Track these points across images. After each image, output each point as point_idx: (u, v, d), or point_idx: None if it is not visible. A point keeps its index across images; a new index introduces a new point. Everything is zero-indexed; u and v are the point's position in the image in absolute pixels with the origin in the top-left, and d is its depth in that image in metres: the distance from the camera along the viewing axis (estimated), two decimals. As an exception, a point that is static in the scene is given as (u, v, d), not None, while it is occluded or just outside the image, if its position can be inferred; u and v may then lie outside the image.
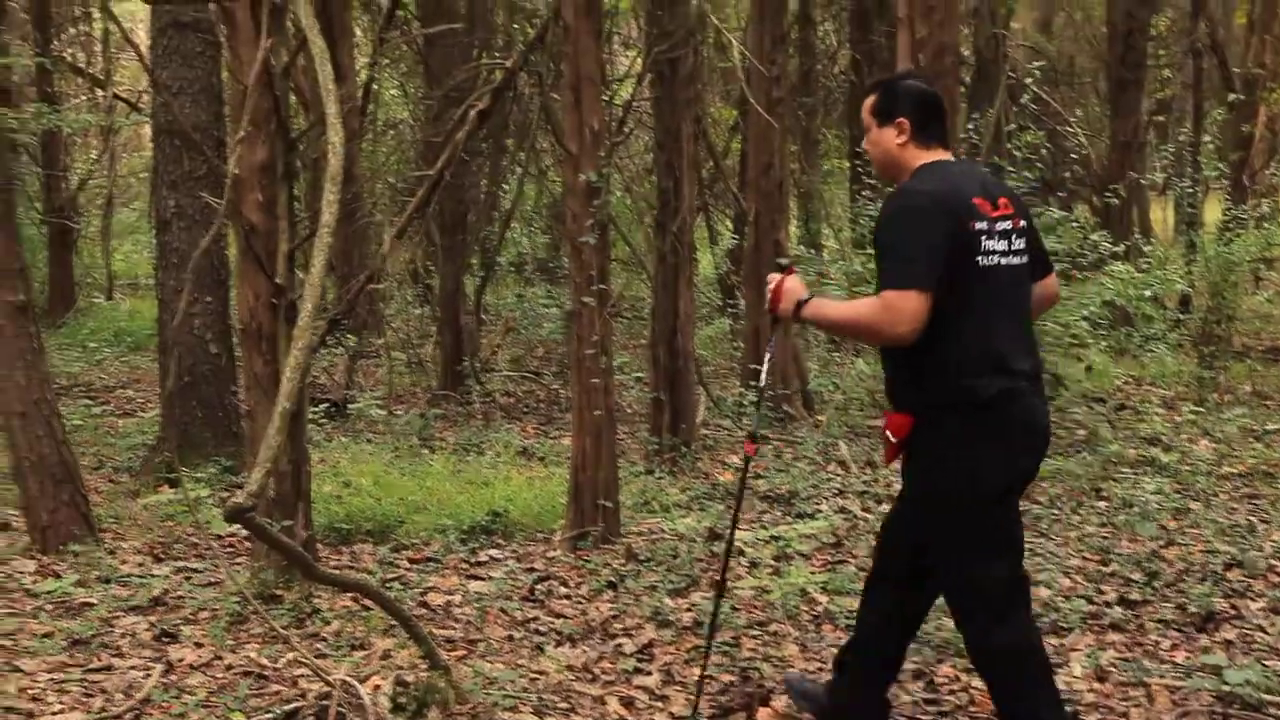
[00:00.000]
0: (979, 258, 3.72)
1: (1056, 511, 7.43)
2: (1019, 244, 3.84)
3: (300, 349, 3.47)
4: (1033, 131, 9.89)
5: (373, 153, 13.23)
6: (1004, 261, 3.78)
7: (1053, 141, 12.50)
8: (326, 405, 10.38)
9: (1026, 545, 6.57)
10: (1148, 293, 10.33)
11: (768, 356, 4.43)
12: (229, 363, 8.51)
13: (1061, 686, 4.64)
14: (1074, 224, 10.96)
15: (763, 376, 4.52)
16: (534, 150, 12.95)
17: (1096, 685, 4.69)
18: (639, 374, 11.76)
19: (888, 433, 3.91)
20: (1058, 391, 10.40)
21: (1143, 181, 15.29)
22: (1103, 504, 7.57)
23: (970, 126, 9.65)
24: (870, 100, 4.03)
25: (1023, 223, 3.87)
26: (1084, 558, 6.43)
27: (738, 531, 4.73)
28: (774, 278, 4.10)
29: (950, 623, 5.19)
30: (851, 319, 3.80)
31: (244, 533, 6.49)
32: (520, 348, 14.25)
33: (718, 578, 5.77)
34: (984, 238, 3.73)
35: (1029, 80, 11.08)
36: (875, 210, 11.19)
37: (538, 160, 14.00)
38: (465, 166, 11.58)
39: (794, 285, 4.01)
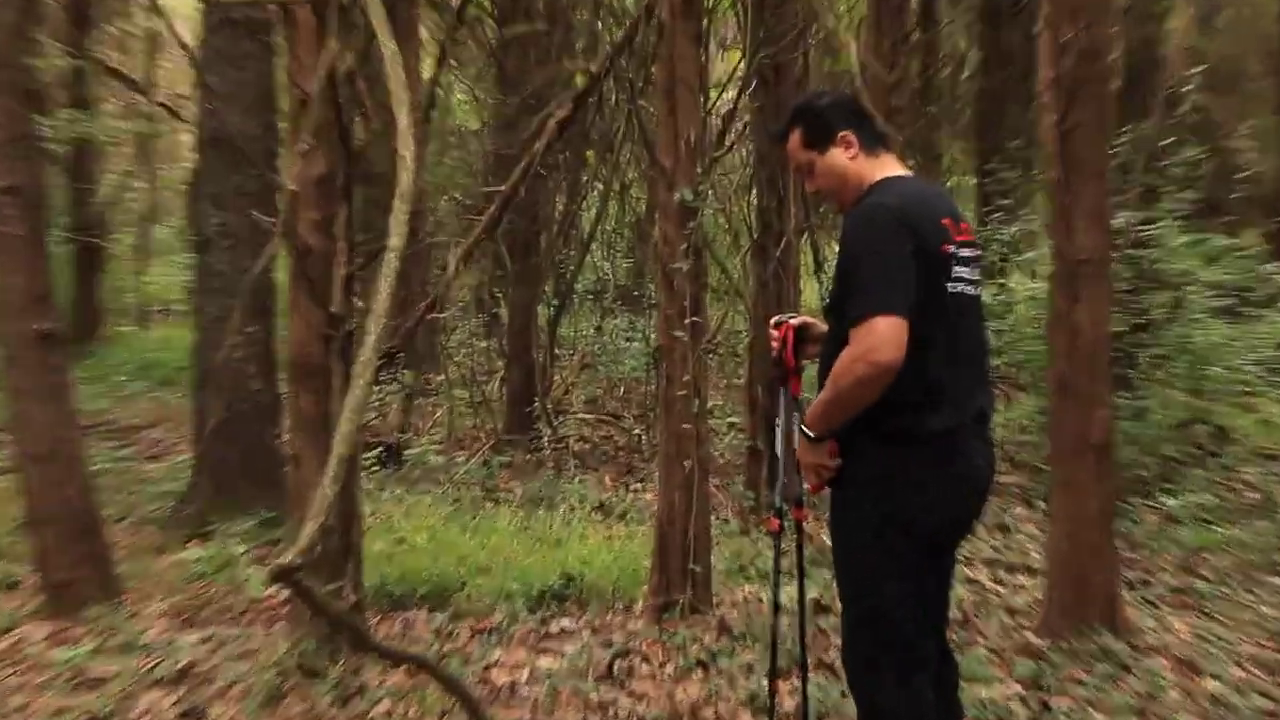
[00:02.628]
0: (948, 284, 3.72)
1: (1226, 589, 7.23)
2: (976, 274, 3.85)
3: (360, 387, 3.45)
4: (1193, 145, 9.72)
5: (438, 165, 13.32)
6: (967, 290, 3.79)
7: (1216, 158, 12.29)
8: (379, 450, 10.43)
9: (1189, 627, 6.44)
10: (1332, 332, 10.13)
11: (779, 421, 4.35)
12: (273, 401, 8.56)
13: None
14: (1242, 253, 10.74)
15: (777, 444, 4.43)
16: (618, 165, 12.98)
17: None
18: (734, 419, 11.69)
19: None
20: (1224, 449, 10.17)
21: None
22: (1280, 580, 7.38)
23: (1121, 141, 9.51)
24: (797, 135, 4.01)
25: (979, 251, 3.89)
26: (1259, 644, 6.25)
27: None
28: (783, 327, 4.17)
29: None
30: (836, 379, 3.64)
31: (283, 596, 6.50)
32: (598, 387, 14.25)
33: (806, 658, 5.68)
34: (954, 263, 3.74)
35: (1188, 88, 10.91)
36: (1008, 235, 11.08)
37: (621, 176, 14.03)
38: (541, 182, 11.62)
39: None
